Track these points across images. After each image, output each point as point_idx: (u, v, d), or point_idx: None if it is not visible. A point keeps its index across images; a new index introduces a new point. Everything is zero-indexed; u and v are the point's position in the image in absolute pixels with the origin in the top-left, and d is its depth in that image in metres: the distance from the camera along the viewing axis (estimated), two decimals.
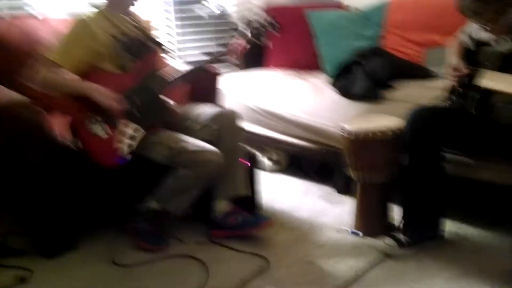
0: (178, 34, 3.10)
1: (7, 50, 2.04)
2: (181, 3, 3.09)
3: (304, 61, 3.01)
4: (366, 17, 3.00)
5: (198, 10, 2.97)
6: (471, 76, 1.64)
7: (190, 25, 3.16)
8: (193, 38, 3.18)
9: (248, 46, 2.02)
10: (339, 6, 3.23)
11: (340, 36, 2.89)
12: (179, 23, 3.09)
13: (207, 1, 2.99)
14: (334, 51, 2.84)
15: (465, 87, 1.68)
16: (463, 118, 1.67)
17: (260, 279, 1.60)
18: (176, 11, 3.06)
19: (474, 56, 1.72)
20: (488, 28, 1.62)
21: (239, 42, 1.97)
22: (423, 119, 1.67)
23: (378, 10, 2.96)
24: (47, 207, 1.74)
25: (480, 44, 1.73)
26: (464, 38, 1.82)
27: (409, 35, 2.73)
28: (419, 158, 1.68)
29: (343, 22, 2.95)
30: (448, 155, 1.79)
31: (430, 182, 1.69)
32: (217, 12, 3.07)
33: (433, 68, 2.35)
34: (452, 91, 1.75)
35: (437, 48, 2.45)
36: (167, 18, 3.04)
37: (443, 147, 1.71)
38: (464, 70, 1.66)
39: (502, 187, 1.71)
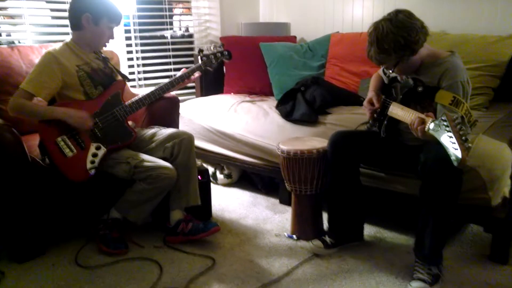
0: (138, 58, 3.35)
1: None
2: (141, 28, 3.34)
3: (258, 87, 3.31)
4: (312, 49, 3.35)
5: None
6: (382, 106, 2.00)
7: (151, 50, 3.43)
8: (153, 62, 3.45)
9: (199, 74, 2.29)
10: (292, 40, 3.55)
11: (288, 66, 3.22)
12: (139, 48, 3.35)
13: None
14: (283, 79, 3.17)
15: (378, 114, 2.03)
16: (375, 140, 2.00)
17: (206, 276, 1.87)
18: (136, 37, 3.32)
19: (389, 89, 2.07)
20: (393, 70, 1.96)
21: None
22: (341, 141, 1.98)
23: (322, 43, 3.32)
24: (19, 217, 1.92)
25: (392, 79, 2.09)
26: (381, 73, 2.18)
27: (346, 66, 3.09)
28: (339, 173, 1.99)
29: (291, 53, 3.27)
30: (365, 170, 2.14)
31: (349, 192, 2.01)
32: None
33: (365, 96, 2.71)
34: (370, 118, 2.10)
35: (369, 78, 2.82)
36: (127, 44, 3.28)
37: (359, 164, 2.04)
38: (376, 102, 2.01)
39: (409, 196, 2.05)
